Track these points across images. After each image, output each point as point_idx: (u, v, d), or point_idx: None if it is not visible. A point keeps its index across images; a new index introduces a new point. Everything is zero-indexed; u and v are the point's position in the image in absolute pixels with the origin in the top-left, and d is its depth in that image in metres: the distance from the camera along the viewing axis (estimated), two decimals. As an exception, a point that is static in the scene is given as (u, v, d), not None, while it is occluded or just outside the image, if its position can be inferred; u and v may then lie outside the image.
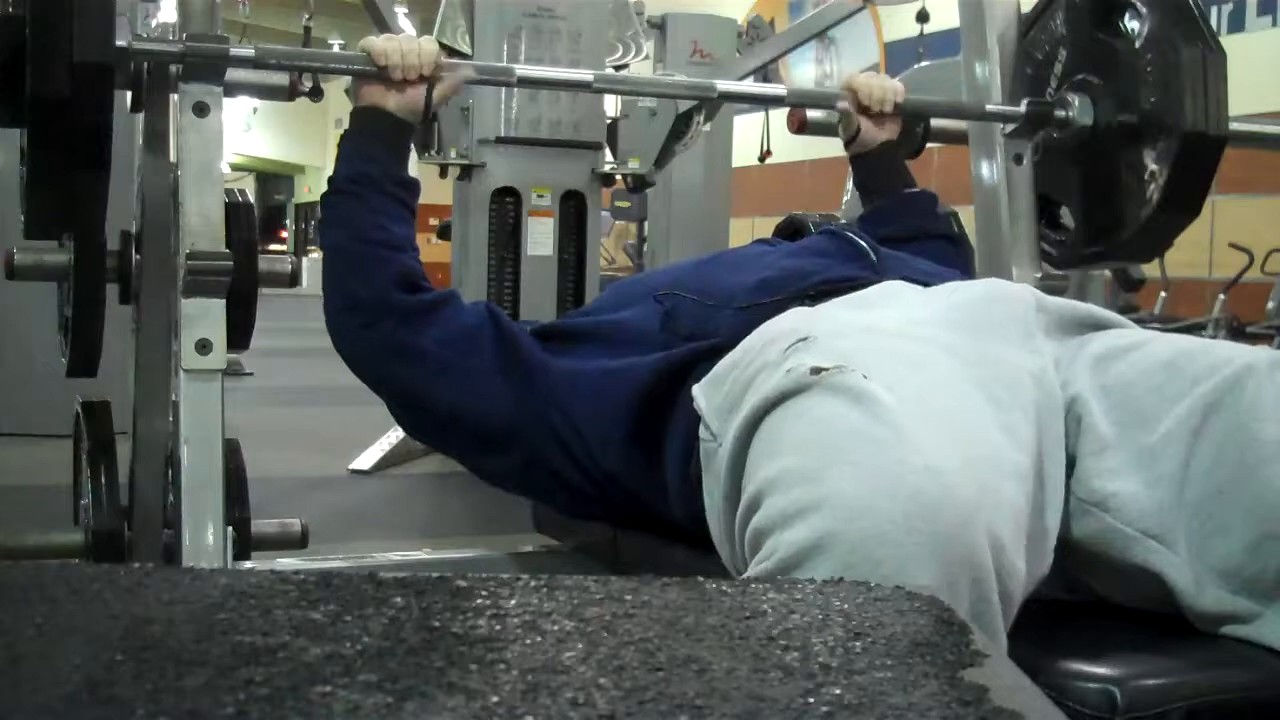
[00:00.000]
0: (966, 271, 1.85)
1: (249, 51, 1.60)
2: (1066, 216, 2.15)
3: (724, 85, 2.10)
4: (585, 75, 1.98)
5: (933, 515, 0.92)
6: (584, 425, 1.42)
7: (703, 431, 1.20)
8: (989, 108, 2.06)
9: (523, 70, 1.95)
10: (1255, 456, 1.06)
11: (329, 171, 1.57)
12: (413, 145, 1.69)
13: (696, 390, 1.24)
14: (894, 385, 1.02)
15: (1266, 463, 1.06)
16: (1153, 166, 1.92)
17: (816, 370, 1.03)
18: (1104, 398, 1.18)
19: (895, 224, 1.80)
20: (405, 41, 1.63)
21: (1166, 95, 1.90)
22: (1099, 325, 1.30)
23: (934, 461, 0.95)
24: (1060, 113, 2.02)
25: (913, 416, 0.99)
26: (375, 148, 1.59)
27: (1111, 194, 2.00)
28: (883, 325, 1.20)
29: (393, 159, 1.59)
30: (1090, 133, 2.01)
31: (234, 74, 1.59)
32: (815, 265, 1.45)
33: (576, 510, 1.55)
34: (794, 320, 1.23)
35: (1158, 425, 1.14)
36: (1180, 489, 1.10)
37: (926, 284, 1.37)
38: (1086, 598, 1.17)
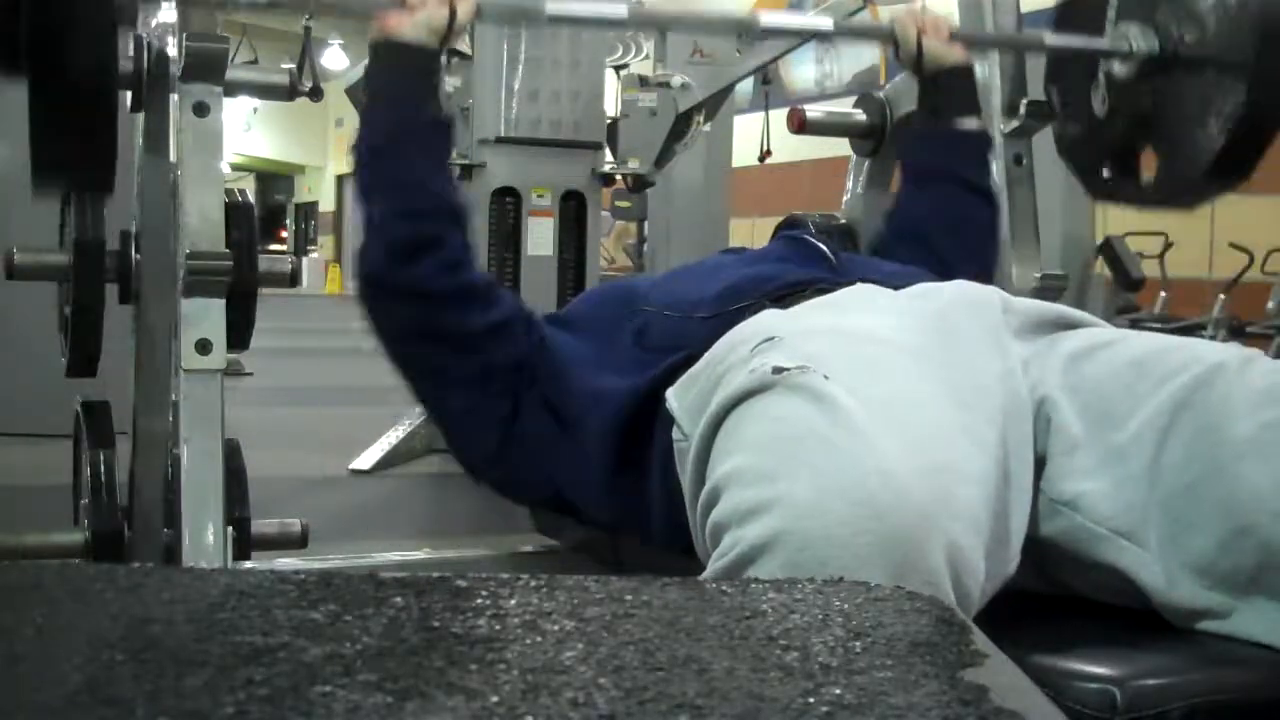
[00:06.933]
0: (990, 231, 1.82)
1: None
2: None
3: (767, 20, 1.97)
4: (619, 11, 1.91)
5: (883, 518, 0.93)
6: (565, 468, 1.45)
7: (675, 432, 1.21)
8: (1048, 40, 1.97)
9: (553, 7, 1.74)
10: (1226, 454, 1.07)
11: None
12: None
13: (669, 393, 1.24)
14: (856, 388, 1.03)
15: (1237, 460, 1.06)
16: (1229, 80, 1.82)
17: (779, 370, 1.05)
18: (1074, 397, 1.18)
19: (929, 156, 1.81)
20: None
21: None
22: (1069, 325, 1.30)
23: (888, 465, 0.96)
24: (1122, 46, 1.87)
25: (872, 419, 1.00)
26: (404, 84, 1.56)
27: (1195, 115, 1.89)
28: (851, 328, 1.20)
29: (426, 95, 1.56)
30: (1158, 62, 1.85)
31: (234, 74, 1.59)
32: (776, 270, 1.45)
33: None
34: (764, 321, 1.24)
35: (1128, 424, 1.14)
36: (1151, 487, 1.11)
37: (892, 285, 1.37)
38: (1065, 594, 1.18)
